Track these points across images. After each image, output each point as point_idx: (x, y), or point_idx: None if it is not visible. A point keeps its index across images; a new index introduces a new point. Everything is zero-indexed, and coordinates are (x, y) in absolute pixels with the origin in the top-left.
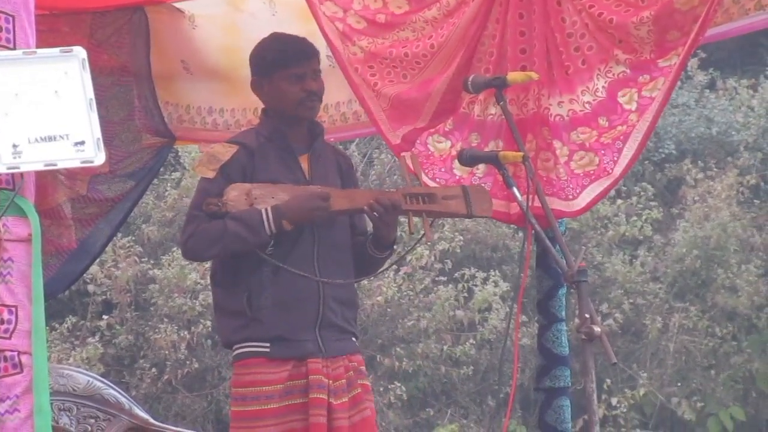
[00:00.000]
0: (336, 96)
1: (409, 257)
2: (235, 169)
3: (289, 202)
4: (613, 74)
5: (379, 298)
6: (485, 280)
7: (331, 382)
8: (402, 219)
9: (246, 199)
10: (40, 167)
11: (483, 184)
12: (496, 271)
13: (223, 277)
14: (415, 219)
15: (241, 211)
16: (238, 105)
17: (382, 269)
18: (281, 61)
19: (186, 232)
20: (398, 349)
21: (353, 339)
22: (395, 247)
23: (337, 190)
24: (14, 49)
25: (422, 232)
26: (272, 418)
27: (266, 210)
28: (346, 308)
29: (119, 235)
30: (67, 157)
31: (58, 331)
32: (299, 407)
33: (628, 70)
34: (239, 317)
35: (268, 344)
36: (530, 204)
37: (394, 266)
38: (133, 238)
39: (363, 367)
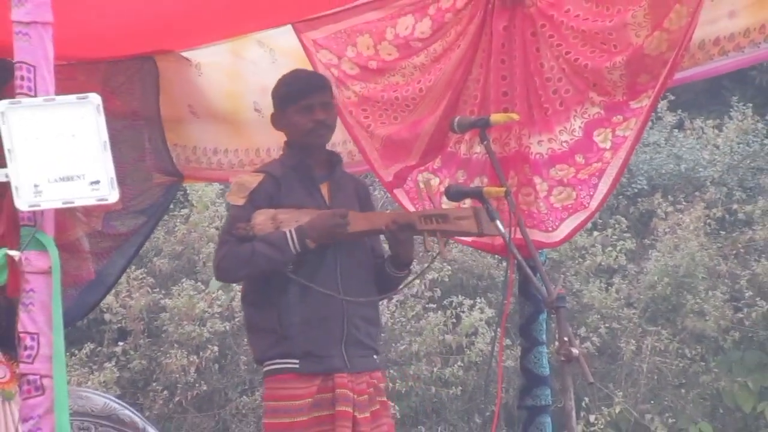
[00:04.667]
0: (331, 137)
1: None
2: (262, 196)
3: (311, 221)
4: (589, 115)
5: None
6: (472, 307)
7: (355, 396)
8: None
9: (272, 223)
10: (59, 205)
11: None
12: (482, 299)
13: (255, 297)
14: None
15: (268, 233)
16: (241, 146)
17: (401, 287)
18: (291, 95)
19: (218, 255)
20: (392, 371)
21: (374, 356)
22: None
23: (356, 212)
24: (35, 96)
25: (437, 251)
26: (301, 430)
27: (290, 231)
28: (369, 325)
29: (132, 267)
30: (83, 196)
31: (78, 356)
32: (326, 419)
33: (602, 111)
34: (270, 335)
35: (297, 360)
36: (512, 236)
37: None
38: (146, 270)
39: (382, 385)
